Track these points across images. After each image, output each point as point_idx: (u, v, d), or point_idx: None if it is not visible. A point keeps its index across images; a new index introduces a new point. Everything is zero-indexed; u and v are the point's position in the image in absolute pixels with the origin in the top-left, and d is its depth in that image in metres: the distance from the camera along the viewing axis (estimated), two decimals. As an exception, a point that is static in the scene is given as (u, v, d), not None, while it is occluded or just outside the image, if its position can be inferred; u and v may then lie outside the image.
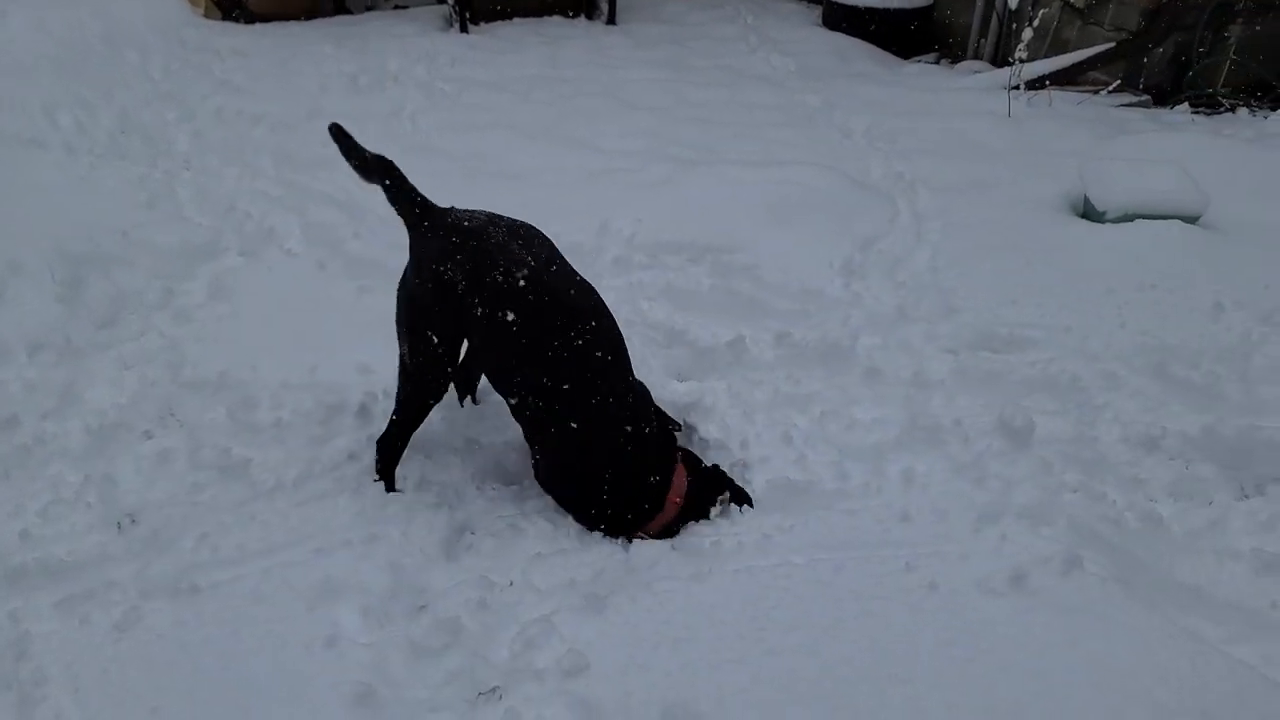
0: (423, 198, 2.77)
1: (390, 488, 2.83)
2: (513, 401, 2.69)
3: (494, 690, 2.15)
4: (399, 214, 2.79)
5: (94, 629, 2.25)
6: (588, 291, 2.74)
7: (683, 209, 4.76)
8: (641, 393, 2.84)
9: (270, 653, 2.22)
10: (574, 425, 2.59)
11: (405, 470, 2.90)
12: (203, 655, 2.19)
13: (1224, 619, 2.22)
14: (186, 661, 2.17)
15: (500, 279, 2.55)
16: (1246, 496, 2.71)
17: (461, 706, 2.12)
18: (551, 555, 2.60)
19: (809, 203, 4.82)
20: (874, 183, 5.45)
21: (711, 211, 4.72)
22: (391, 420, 2.81)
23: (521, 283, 2.54)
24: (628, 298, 4.03)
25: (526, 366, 2.58)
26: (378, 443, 2.83)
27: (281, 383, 3.30)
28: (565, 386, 2.57)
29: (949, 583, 2.35)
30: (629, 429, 2.65)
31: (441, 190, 5.13)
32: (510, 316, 2.53)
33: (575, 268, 2.89)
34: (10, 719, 2.07)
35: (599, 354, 2.61)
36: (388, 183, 2.75)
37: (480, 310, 2.56)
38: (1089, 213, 4.65)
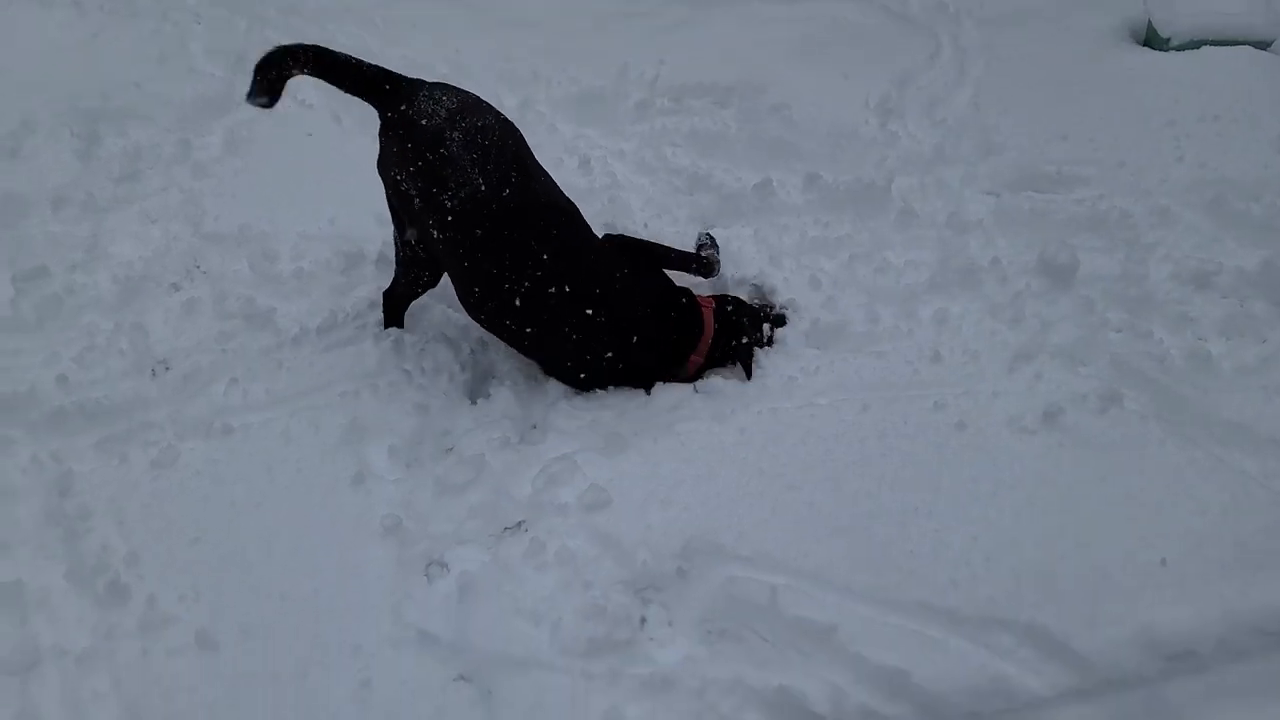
0: (385, 74, 2.52)
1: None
2: (481, 319, 2.56)
3: (519, 525, 2.19)
4: (365, 99, 2.54)
5: (133, 467, 2.33)
6: (545, 208, 2.48)
7: (706, 49, 4.51)
8: (626, 281, 2.61)
9: (302, 489, 2.27)
10: (559, 334, 2.50)
11: (428, 318, 2.88)
12: (237, 491, 2.26)
13: (1269, 454, 2.13)
14: (222, 496, 2.24)
15: (447, 203, 2.35)
16: (1302, 333, 2.58)
17: (486, 539, 2.17)
18: (574, 398, 2.59)
19: (842, 37, 4.54)
20: (913, 15, 5.08)
21: (737, 51, 4.47)
22: (394, 278, 2.74)
23: (468, 206, 2.34)
24: (651, 144, 3.88)
25: (485, 288, 2.44)
26: (384, 295, 2.79)
27: (300, 234, 3.26)
28: (532, 306, 2.44)
29: (978, 421, 2.30)
30: (612, 320, 2.52)
31: (453, 39, 4.97)
32: (459, 240, 2.37)
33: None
34: (60, 551, 2.16)
35: (556, 265, 2.42)
36: (328, 72, 2.51)
37: (435, 230, 2.41)
38: (1152, 40, 4.31)
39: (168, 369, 2.68)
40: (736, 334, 2.71)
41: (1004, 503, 2.06)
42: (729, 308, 2.77)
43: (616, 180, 3.64)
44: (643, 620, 1.98)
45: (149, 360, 2.70)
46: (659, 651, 1.92)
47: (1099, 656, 1.75)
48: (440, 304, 2.93)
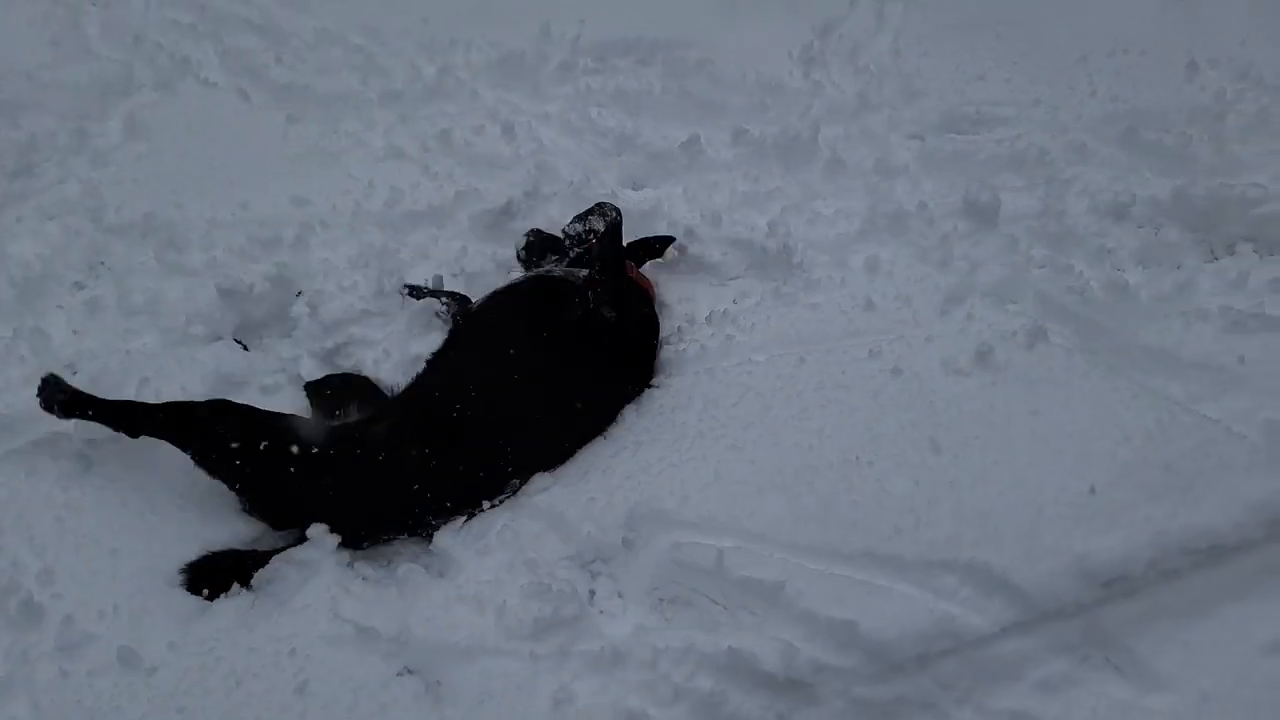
0: None
1: None
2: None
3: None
4: None
5: (42, 479, 2.20)
6: None
7: (627, 6, 4.41)
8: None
9: (223, 489, 2.18)
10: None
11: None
12: (156, 497, 2.16)
13: (1191, 378, 2.20)
14: (139, 503, 2.14)
15: None
16: (1215, 258, 2.65)
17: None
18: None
19: (762, -13, 4.49)
20: (831, -38, 5.06)
21: (658, 6, 4.39)
22: None
23: None
24: (576, 105, 3.80)
25: None
26: None
27: (210, 220, 3.12)
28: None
29: (913, 366, 2.32)
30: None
31: (367, 5, 4.78)
32: None
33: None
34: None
35: None
36: None
37: None
38: (1062, -23, 4.34)
39: (74, 373, 2.53)
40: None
41: (941, 445, 2.09)
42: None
43: (543, 146, 3.56)
44: (591, 594, 1.97)
45: (53, 364, 2.55)
46: (609, 624, 1.92)
47: (1037, 589, 1.80)
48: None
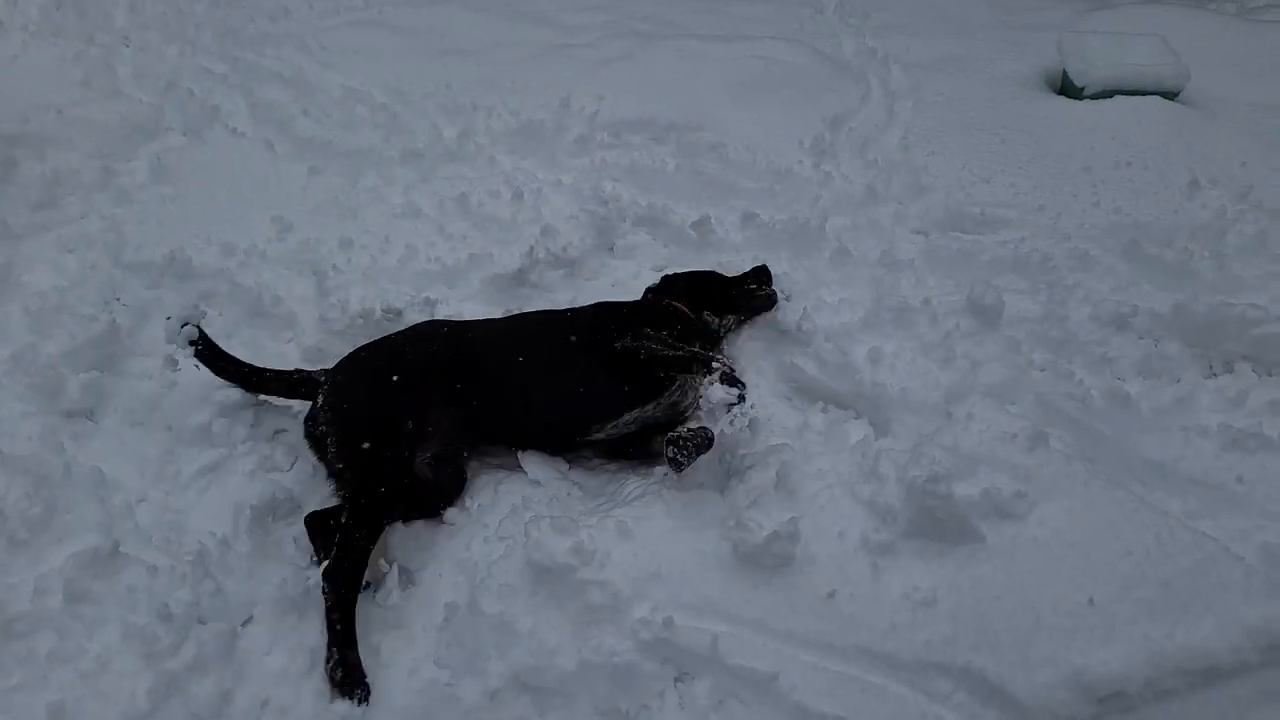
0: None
1: None
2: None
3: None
4: None
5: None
6: None
7: (645, 85, 4.56)
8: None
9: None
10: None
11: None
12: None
13: (1190, 494, 2.22)
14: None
15: None
16: (1215, 374, 2.70)
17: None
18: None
19: (777, 79, 4.63)
20: (845, 59, 5.24)
21: (675, 88, 4.53)
22: None
23: None
24: (590, 177, 3.89)
25: None
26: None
27: (236, 264, 3.17)
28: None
29: (914, 461, 2.33)
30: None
31: (393, 66, 4.93)
32: None
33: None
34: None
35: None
36: None
37: None
38: (1067, 88, 4.51)
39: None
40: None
41: (940, 544, 2.09)
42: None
43: (553, 213, 3.63)
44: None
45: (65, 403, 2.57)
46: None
47: (1033, 700, 1.79)
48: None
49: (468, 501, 2.44)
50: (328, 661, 2.03)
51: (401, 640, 2.11)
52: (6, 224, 3.31)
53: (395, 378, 2.41)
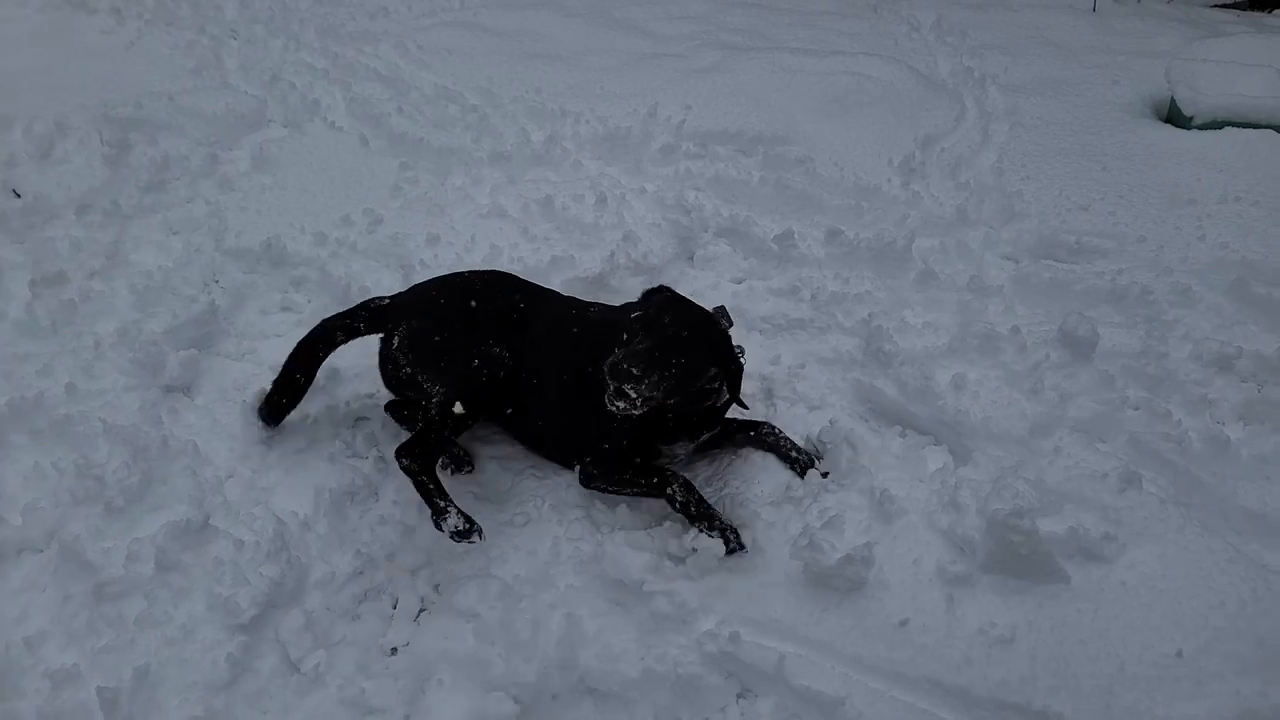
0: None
1: None
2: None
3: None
4: None
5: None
6: None
7: (734, 97, 4.56)
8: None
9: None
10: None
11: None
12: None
13: (1288, 547, 2.12)
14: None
15: None
16: (1320, 424, 2.57)
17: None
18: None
19: (868, 95, 4.58)
20: (940, 78, 5.16)
21: (764, 100, 4.52)
22: None
23: None
24: (674, 187, 3.90)
25: None
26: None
27: (330, 254, 3.28)
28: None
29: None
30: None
31: (484, 68, 5.03)
32: None
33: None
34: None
35: None
36: None
37: None
38: (1174, 117, 4.35)
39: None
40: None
41: (1021, 579, 2.03)
42: None
43: (637, 219, 3.65)
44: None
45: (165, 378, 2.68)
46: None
47: (1113, 751, 1.72)
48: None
49: (541, 500, 2.46)
50: (438, 522, 2.20)
51: (471, 632, 2.13)
52: (118, 204, 3.48)
53: (473, 303, 2.50)
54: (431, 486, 2.24)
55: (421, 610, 2.20)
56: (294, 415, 2.57)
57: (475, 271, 2.75)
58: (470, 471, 2.53)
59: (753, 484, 2.40)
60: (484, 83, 4.88)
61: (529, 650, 2.04)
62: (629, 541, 2.23)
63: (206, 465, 2.43)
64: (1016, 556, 1.95)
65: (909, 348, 2.88)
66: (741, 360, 2.36)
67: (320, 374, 2.65)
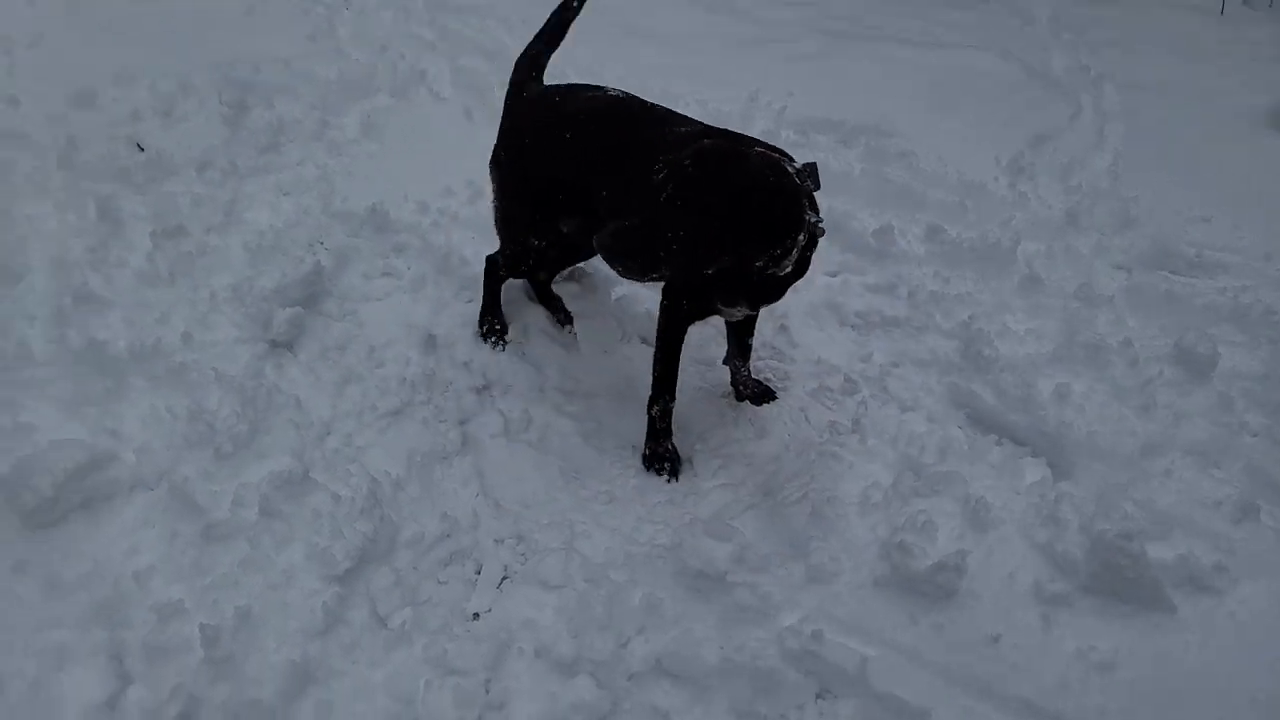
0: None
1: None
2: None
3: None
4: None
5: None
6: None
7: (837, 86, 4.48)
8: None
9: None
10: None
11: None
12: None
13: None
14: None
15: None
16: None
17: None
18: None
19: (977, 90, 4.45)
20: (1054, 75, 4.97)
21: (868, 91, 4.43)
22: None
23: None
24: (775, 175, 3.85)
25: None
26: None
27: (431, 223, 3.35)
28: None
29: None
30: None
31: (585, 45, 5.02)
32: None
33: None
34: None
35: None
36: None
37: None
38: (1310, 128, 4.11)
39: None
40: None
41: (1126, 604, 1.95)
42: None
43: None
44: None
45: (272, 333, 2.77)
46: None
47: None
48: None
49: (630, 478, 2.47)
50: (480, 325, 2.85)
51: (551, 604, 2.16)
52: (235, 164, 3.61)
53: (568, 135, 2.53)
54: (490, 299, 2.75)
55: (504, 578, 2.23)
56: (391, 377, 2.65)
57: (596, 98, 2.64)
58: (570, 328, 2.86)
59: (841, 481, 2.37)
60: (585, 59, 4.88)
61: (607, 627, 2.06)
62: (710, 531, 2.22)
63: (307, 419, 2.50)
64: (1122, 580, 1.89)
65: (1010, 354, 2.80)
66: (816, 230, 2.03)
67: (417, 338, 2.72)
